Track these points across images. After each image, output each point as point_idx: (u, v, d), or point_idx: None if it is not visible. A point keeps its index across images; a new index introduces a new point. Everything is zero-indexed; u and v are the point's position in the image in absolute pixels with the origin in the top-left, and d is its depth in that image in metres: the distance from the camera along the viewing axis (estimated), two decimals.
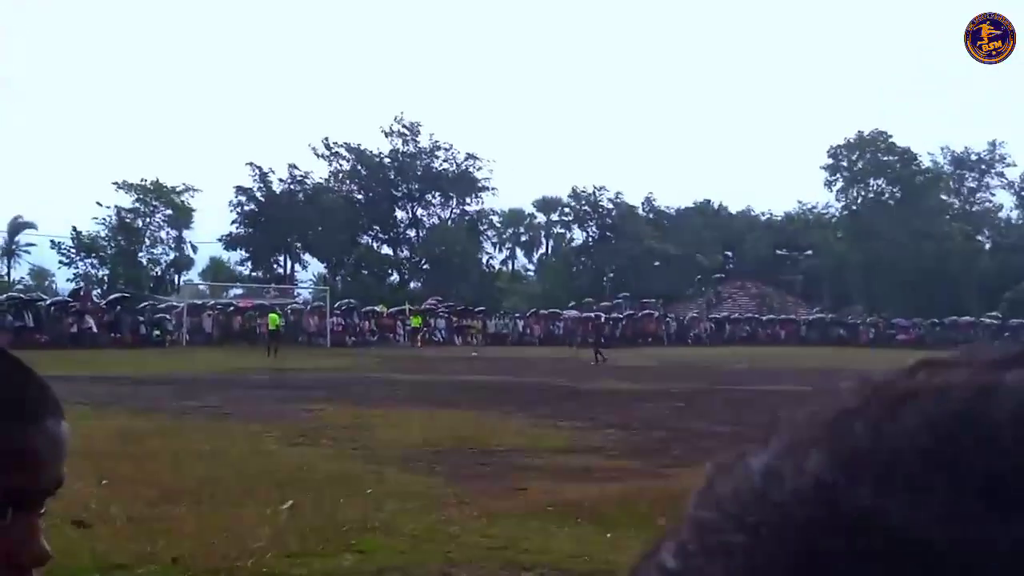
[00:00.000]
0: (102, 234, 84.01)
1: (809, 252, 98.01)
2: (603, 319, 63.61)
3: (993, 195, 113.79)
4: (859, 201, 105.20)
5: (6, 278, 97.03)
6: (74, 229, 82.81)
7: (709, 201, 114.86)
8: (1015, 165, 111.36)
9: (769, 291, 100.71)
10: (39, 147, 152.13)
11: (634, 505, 9.95)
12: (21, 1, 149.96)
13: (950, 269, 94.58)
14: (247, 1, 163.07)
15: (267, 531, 8.59)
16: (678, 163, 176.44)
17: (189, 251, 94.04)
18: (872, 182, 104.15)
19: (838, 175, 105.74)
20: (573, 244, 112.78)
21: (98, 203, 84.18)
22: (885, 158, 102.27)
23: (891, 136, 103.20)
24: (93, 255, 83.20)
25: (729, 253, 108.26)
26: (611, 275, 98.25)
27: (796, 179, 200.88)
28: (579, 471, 12.50)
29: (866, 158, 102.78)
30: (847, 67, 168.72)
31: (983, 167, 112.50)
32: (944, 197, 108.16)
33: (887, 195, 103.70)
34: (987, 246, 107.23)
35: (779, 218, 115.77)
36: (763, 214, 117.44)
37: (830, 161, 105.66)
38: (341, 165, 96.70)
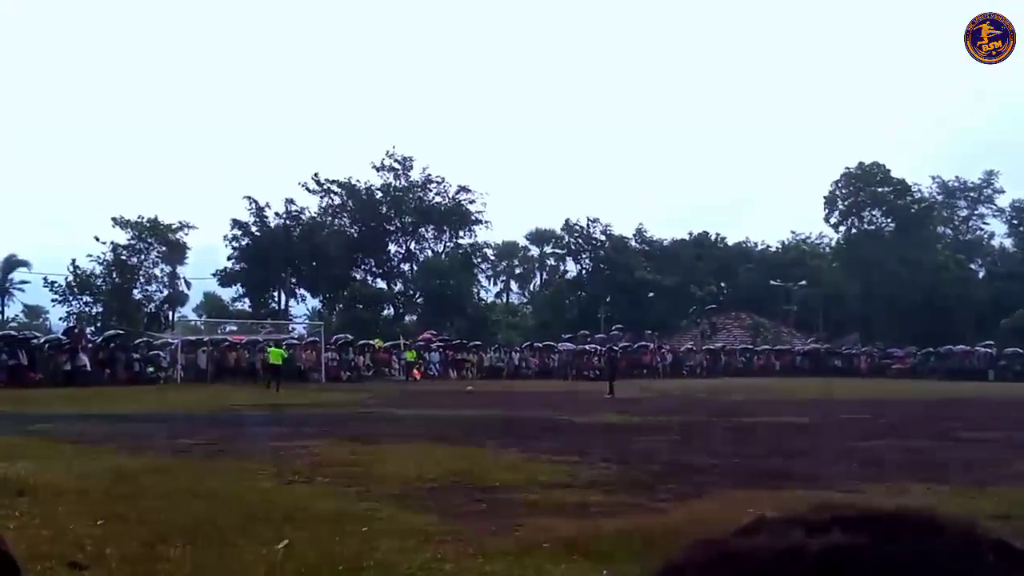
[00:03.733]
0: (97, 271, 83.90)
1: (803, 282, 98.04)
2: (617, 352, 63.27)
3: (986, 224, 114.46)
4: (854, 231, 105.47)
5: (0, 316, 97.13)
6: (73, 263, 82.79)
7: (707, 233, 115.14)
8: (1004, 192, 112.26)
9: (764, 321, 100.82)
10: (34, 185, 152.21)
11: (630, 540, 9.90)
12: (20, 39, 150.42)
13: (944, 298, 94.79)
14: (243, 40, 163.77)
15: (262, 570, 8.55)
16: (671, 194, 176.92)
17: (183, 287, 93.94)
18: (868, 213, 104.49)
19: (835, 206, 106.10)
20: (567, 276, 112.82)
21: (96, 238, 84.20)
22: (881, 189, 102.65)
23: (888, 168, 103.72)
24: (87, 292, 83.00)
25: (723, 284, 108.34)
26: (605, 307, 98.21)
27: (790, 209, 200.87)
28: (575, 506, 12.44)
29: (864, 189, 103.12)
30: (844, 97, 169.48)
31: (974, 196, 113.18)
32: (941, 229, 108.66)
33: (882, 225, 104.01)
34: (981, 274, 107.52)
35: (773, 249, 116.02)
36: (757, 245, 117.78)
37: (830, 190, 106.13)
38: (333, 200, 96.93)
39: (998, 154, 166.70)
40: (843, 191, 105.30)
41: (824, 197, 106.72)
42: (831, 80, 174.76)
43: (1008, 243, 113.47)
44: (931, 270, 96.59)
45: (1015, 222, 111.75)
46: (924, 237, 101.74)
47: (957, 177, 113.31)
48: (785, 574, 0.56)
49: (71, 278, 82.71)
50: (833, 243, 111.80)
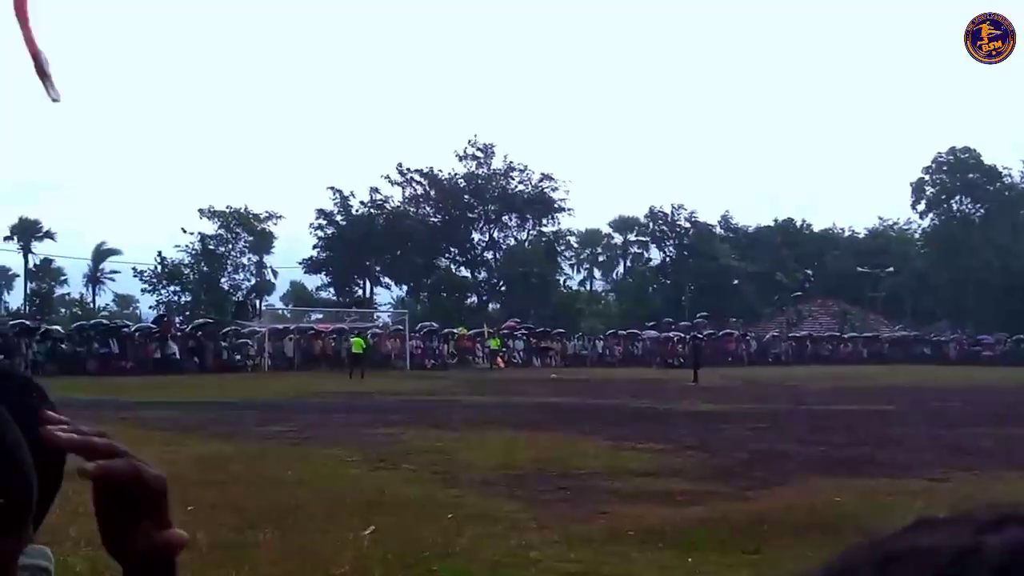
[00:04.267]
0: (185, 260, 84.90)
1: (891, 269, 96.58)
2: (702, 339, 63.04)
3: None
4: (943, 218, 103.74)
5: (91, 305, 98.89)
6: (159, 254, 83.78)
7: (792, 219, 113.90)
8: None
9: (850, 308, 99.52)
10: (125, 175, 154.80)
11: (716, 529, 9.87)
12: (110, 29, 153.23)
13: None
14: (326, 31, 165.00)
15: (349, 556, 8.63)
16: (756, 181, 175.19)
17: (270, 276, 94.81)
18: (958, 198, 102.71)
19: (922, 193, 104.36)
20: (651, 264, 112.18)
21: (183, 230, 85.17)
22: (971, 175, 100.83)
23: (979, 153, 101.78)
24: (175, 282, 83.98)
25: (809, 271, 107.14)
26: (689, 295, 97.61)
27: (876, 195, 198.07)
28: (660, 494, 12.41)
29: (954, 175, 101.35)
30: (928, 82, 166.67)
31: None
32: None
33: (971, 212, 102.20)
34: None
35: (860, 235, 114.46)
36: (844, 231, 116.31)
37: (920, 176, 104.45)
38: (416, 189, 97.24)
39: None
40: (933, 177, 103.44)
41: (911, 184, 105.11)
42: (916, 64, 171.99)
43: None
44: (1022, 256, 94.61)
45: None
46: (1015, 223, 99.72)
47: None
48: (968, 571, 0.54)
49: (158, 268, 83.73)
50: (920, 229, 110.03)
